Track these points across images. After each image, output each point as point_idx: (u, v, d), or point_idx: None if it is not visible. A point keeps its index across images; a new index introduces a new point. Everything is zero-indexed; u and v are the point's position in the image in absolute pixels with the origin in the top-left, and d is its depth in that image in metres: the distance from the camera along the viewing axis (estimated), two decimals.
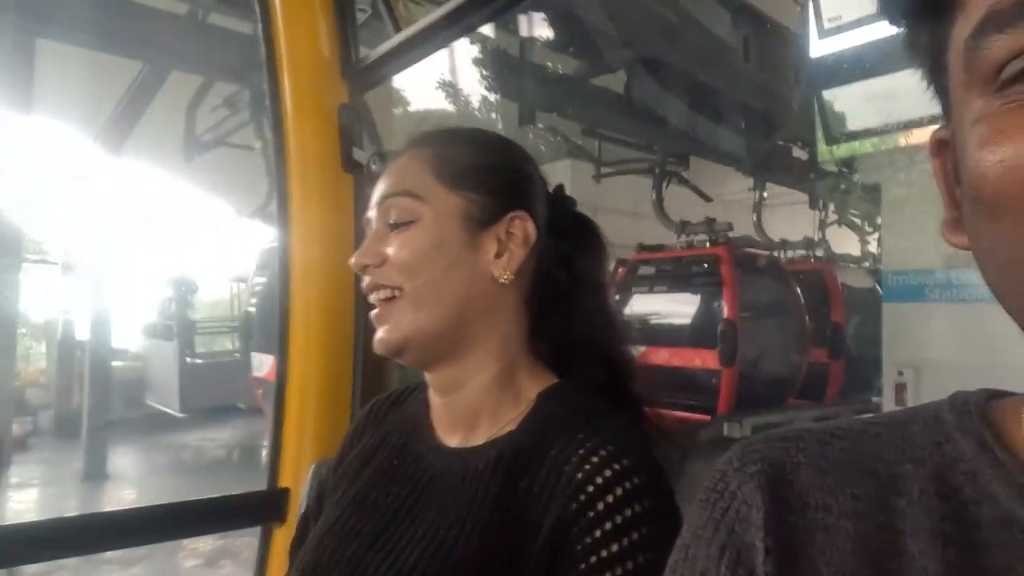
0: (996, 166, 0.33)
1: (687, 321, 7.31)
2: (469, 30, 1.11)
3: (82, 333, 9.24)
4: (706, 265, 7.29)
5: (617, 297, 7.65)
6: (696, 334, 7.15)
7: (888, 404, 4.84)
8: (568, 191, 0.87)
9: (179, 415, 9.15)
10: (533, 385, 0.79)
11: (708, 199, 8.45)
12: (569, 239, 0.83)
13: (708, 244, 7.45)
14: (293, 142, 1.38)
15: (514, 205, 0.79)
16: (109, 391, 7.97)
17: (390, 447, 0.85)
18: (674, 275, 7.62)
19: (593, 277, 0.83)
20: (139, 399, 9.91)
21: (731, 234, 7.63)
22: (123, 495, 6.56)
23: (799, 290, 7.63)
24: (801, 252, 8.53)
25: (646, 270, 7.91)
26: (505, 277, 0.77)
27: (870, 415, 0.47)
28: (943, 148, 0.41)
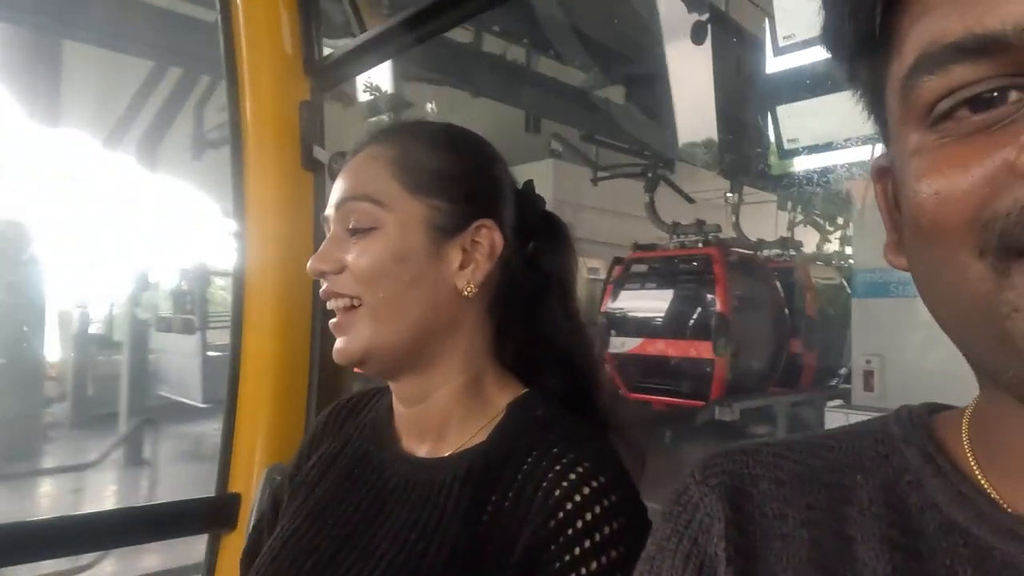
0: (932, 198, 0.35)
1: (682, 315, 7.96)
2: (435, 33, 1.10)
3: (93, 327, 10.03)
4: (695, 263, 7.94)
5: (614, 292, 8.31)
6: (691, 327, 7.80)
7: (857, 390, 5.40)
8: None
9: (201, 405, 9.48)
10: (501, 395, 0.77)
11: (691, 200, 8.98)
12: (537, 238, 0.81)
13: (700, 244, 8.12)
14: (252, 138, 1.34)
15: (481, 212, 0.76)
16: (145, 382, 8.44)
17: (350, 455, 0.82)
18: (668, 272, 8.24)
19: (561, 277, 0.82)
20: (150, 391, 10.08)
21: (720, 235, 8.31)
22: (172, 479, 6.59)
23: (779, 286, 8.37)
24: (776, 251, 9.24)
25: (642, 268, 8.55)
26: (469, 290, 0.75)
27: (822, 431, 0.49)
28: (884, 174, 0.43)
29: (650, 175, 8.86)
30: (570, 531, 0.63)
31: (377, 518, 0.73)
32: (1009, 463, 0.40)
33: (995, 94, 0.34)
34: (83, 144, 8.28)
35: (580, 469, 0.66)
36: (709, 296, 7.75)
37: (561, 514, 0.64)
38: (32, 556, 1.18)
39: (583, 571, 0.62)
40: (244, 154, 1.35)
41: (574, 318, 0.82)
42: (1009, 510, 0.39)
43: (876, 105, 0.42)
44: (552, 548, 0.63)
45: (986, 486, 0.40)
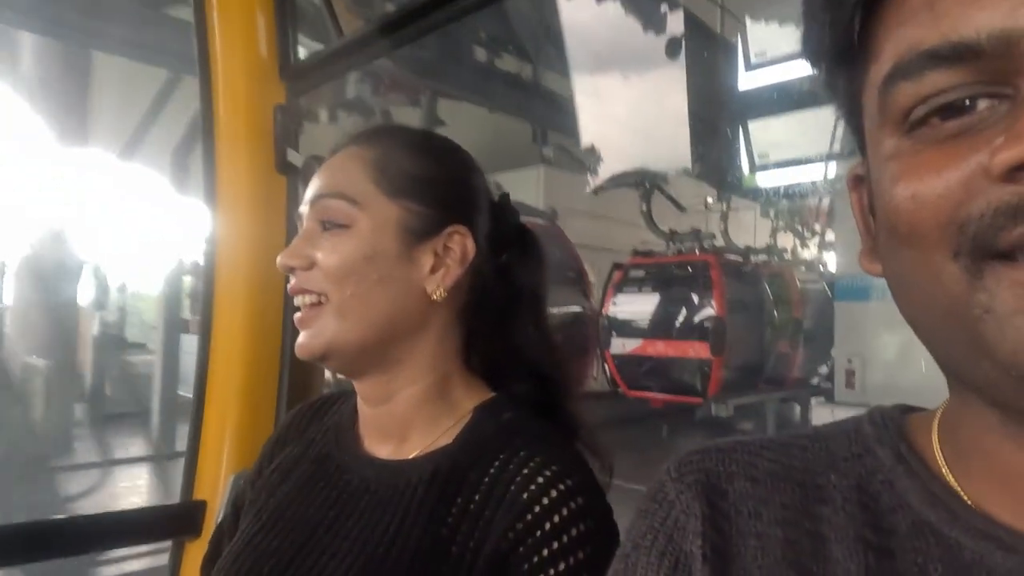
0: (908, 201, 0.36)
1: (680, 318, 8.47)
2: (412, 39, 1.10)
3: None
4: (692, 269, 8.49)
5: (615, 296, 8.90)
6: (688, 328, 8.33)
7: (840, 387, 5.77)
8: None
9: None
10: (468, 399, 0.77)
11: (683, 209, 9.43)
12: (510, 251, 0.82)
13: (697, 251, 8.76)
14: (225, 140, 1.33)
15: (454, 219, 0.76)
16: (176, 381, 8.50)
17: (312, 458, 0.82)
18: (666, 277, 8.76)
19: (532, 291, 0.82)
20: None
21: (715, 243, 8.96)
22: None
23: (767, 289, 8.99)
24: (763, 257, 9.93)
25: (641, 273, 9.03)
26: (438, 294, 0.75)
27: (797, 431, 0.50)
28: (859, 183, 0.44)
29: (647, 185, 9.30)
30: (539, 533, 0.64)
31: (338, 520, 0.72)
32: (976, 464, 0.40)
33: (967, 102, 0.35)
34: (106, 152, 8.46)
35: (548, 472, 0.66)
36: (705, 300, 8.22)
37: (530, 516, 0.64)
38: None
39: (551, 572, 0.63)
40: (217, 156, 1.34)
41: (544, 330, 0.82)
42: (977, 510, 0.39)
43: (853, 114, 0.43)
44: (520, 550, 0.64)
45: (956, 486, 0.41)
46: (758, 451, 0.47)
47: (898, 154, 0.37)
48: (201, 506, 1.30)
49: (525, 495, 0.65)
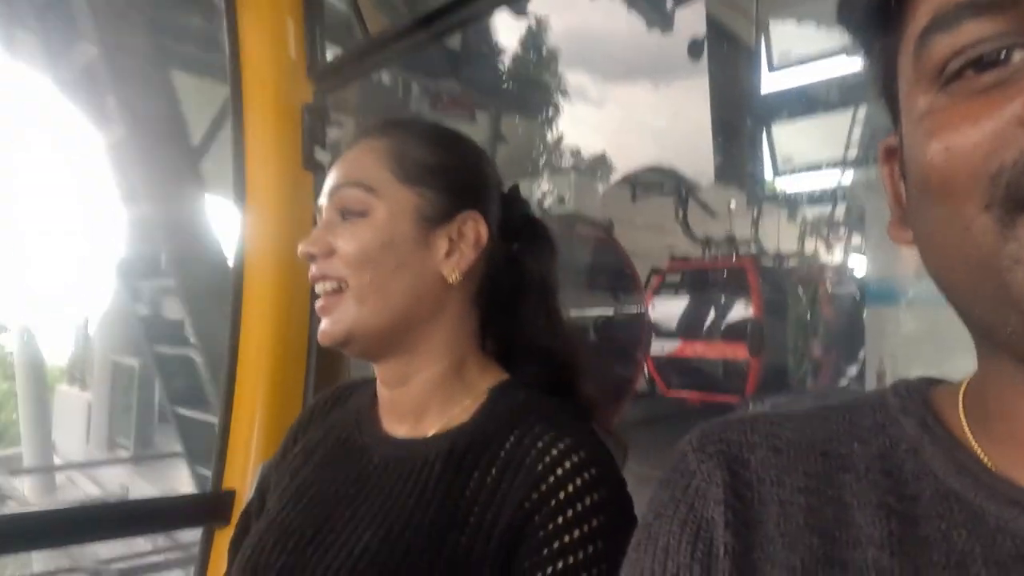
0: (941, 154, 0.36)
1: (717, 320, 8.84)
2: (437, 37, 1.12)
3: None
4: (730, 274, 8.86)
5: (653, 300, 9.32)
6: (726, 331, 8.67)
7: (870, 388, 5.79)
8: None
9: None
10: (483, 380, 0.79)
11: (713, 215, 9.69)
12: (520, 240, 0.84)
13: (733, 257, 9.16)
14: (254, 138, 1.36)
15: (467, 205, 0.78)
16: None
17: (333, 439, 0.84)
18: (703, 282, 9.16)
19: (542, 279, 0.84)
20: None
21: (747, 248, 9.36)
22: None
23: (800, 293, 9.24)
24: (794, 262, 10.18)
25: (678, 278, 9.42)
26: (453, 278, 0.77)
27: (819, 404, 0.49)
28: (891, 155, 0.45)
29: (682, 193, 9.60)
30: (553, 502, 0.65)
31: (358, 497, 0.75)
32: (1003, 429, 0.41)
33: (1002, 55, 0.35)
34: None
35: (561, 445, 0.68)
36: (742, 303, 8.61)
37: (544, 486, 0.66)
38: (31, 545, 1.19)
39: (566, 539, 0.64)
40: (246, 153, 1.38)
41: (555, 317, 0.84)
42: (1002, 476, 0.40)
43: (888, 82, 0.43)
44: (536, 519, 0.65)
45: (981, 454, 0.41)
46: (780, 422, 0.47)
47: (932, 110, 0.37)
48: (231, 495, 1.33)
49: (539, 467, 0.67)
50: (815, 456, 0.45)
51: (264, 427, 1.38)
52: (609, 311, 7.96)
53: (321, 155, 1.33)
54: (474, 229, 0.78)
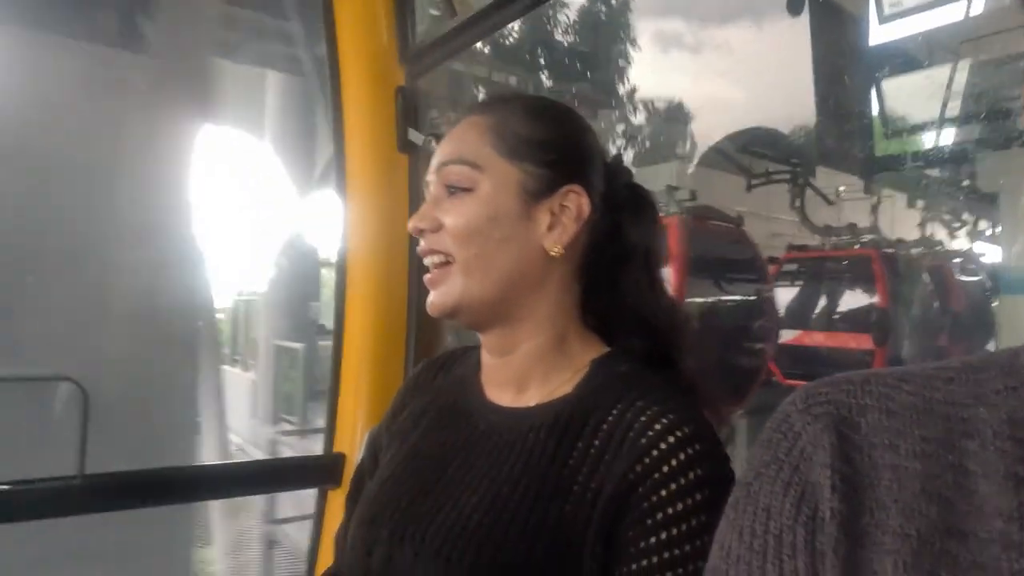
0: None
1: (839, 310, 8.67)
2: (524, 12, 1.14)
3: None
4: (852, 262, 8.66)
5: (774, 289, 9.11)
6: (850, 320, 8.47)
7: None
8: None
9: None
10: (585, 352, 0.81)
11: (830, 202, 9.43)
12: (623, 212, 0.84)
13: (857, 246, 8.92)
14: (351, 123, 1.43)
15: (570, 178, 0.79)
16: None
17: (439, 406, 0.88)
18: (824, 271, 8.98)
19: (645, 248, 0.84)
20: None
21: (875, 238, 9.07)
22: None
23: (926, 282, 9.00)
24: (920, 249, 9.78)
25: (795, 267, 9.25)
26: (556, 250, 0.78)
27: (939, 362, 0.46)
28: None
29: (800, 181, 9.38)
30: (656, 475, 0.67)
31: (467, 459, 0.78)
32: None
33: None
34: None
35: (665, 420, 0.69)
36: (867, 292, 8.41)
37: (648, 459, 0.67)
38: (157, 501, 1.32)
39: (669, 511, 0.66)
40: (345, 138, 1.45)
41: (658, 288, 0.84)
42: None
43: None
44: (639, 491, 0.67)
45: None
46: (896, 383, 0.44)
47: None
48: (341, 458, 1.43)
49: (643, 440, 0.68)
50: (934, 420, 0.42)
51: (369, 395, 1.46)
52: (740, 300, 7.92)
53: (415, 136, 1.38)
54: (576, 202, 0.79)
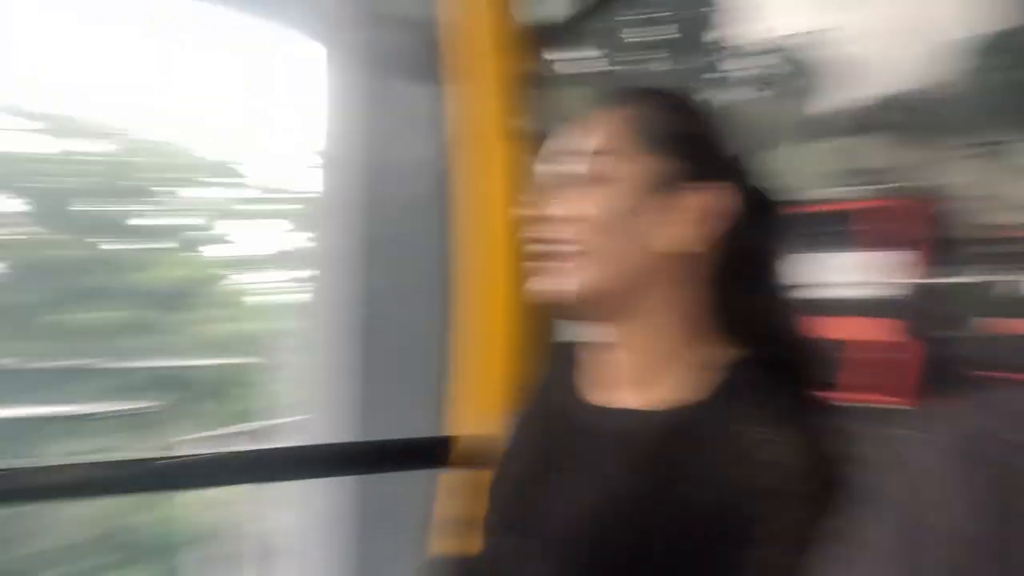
0: None
1: None
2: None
3: None
4: None
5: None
6: None
7: None
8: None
9: None
10: (709, 356, 0.77)
11: None
12: (759, 212, 0.80)
13: None
14: (467, 106, 1.42)
15: (707, 174, 0.77)
16: None
17: (552, 403, 0.87)
18: None
19: (781, 252, 0.81)
20: None
21: None
22: None
23: None
24: None
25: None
26: (689, 248, 0.76)
27: None
28: None
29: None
30: (769, 489, 0.65)
31: (575, 460, 0.77)
32: None
33: None
34: None
35: (785, 433, 0.67)
36: None
37: (762, 473, 0.66)
38: (279, 478, 1.38)
39: (778, 527, 0.64)
40: (462, 120, 1.44)
41: (789, 295, 0.81)
42: None
43: None
44: (750, 504, 0.65)
45: None
46: None
47: None
48: (453, 441, 1.44)
49: (759, 453, 0.66)
50: None
51: (480, 379, 1.47)
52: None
53: (531, 122, 1.36)
54: (712, 199, 0.76)
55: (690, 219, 0.76)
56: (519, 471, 0.83)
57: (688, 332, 0.78)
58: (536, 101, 1.37)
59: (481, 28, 1.42)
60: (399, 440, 1.48)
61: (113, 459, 1.29)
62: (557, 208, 0.79)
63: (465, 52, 1.44)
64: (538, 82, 1.35)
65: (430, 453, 1.44)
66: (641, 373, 0.79)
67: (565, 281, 0.78)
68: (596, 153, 0.77)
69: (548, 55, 1.38)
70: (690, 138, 0.78)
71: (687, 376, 0.77)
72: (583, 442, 0.79)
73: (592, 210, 0.76)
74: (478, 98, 1.43)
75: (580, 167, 0.78)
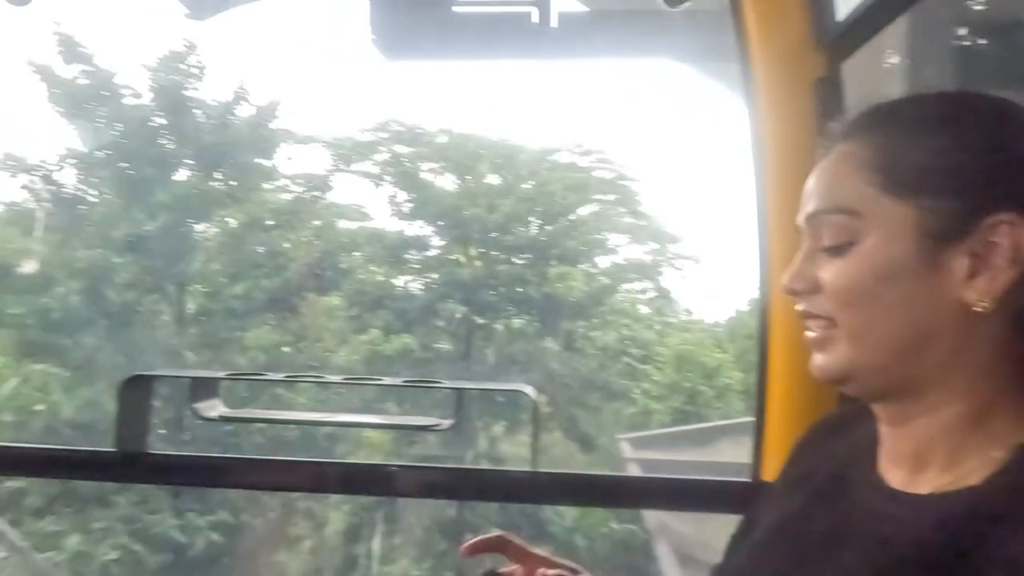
0: None
1: None
2: None
3: None
4: None
5: None
6: None
7: None
8: None
9: None
10: (1012, 433, 0.63)
11: None
12: None
13: None
14: (766, 124, 1.31)
15: (996, 206, 0.61)
16: None
17: (824, 474, 0.78)
18: None
19: None
20: None
21: None
22: None
23: None
24: None
25: None
26: (982, 305, 0.61)
27: None
28: None
29: None
30: None
31: (837, 545, 0.68)
32: None
33: None
34: None
35: None
36: None
37: None
38: (598, 503, 1.44)
39: None
40: (760, 138, 1.33)
41: None
42: None
43: None
44: None
45: None
46: None
47: None
48: (764, 486, 1.34)
49: None
50: None
51: (798, 418, 1.34)
52: None
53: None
54: (1009, 236, 0.61)
55: (976, 268, 0.62)
56: (762, 556, 0.77)
57: (983, 402, 0.65)
58: (839, 110, 1.20)
59: (781, 32, 1.30)
60: (707, 480, 1.45)
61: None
62: (804, 280, 0.70)
63: (765, 59, 1.33)
64: (838, 88, 1.18)
65: (735, 498, 1.36)
66: (918, 450, 0.68)
67: (828, 358, 0.70)
68: (834, 212, 0.67)
69: (853, 54, 1.21)
70: (958, 165, 0.63)
71: (973, 454, 0.64)
72: (848, 529, 0.69)
73: (838, 281, 0.67)
74: (784, 107, 1.31)
75: (820, 229, 0.69)
